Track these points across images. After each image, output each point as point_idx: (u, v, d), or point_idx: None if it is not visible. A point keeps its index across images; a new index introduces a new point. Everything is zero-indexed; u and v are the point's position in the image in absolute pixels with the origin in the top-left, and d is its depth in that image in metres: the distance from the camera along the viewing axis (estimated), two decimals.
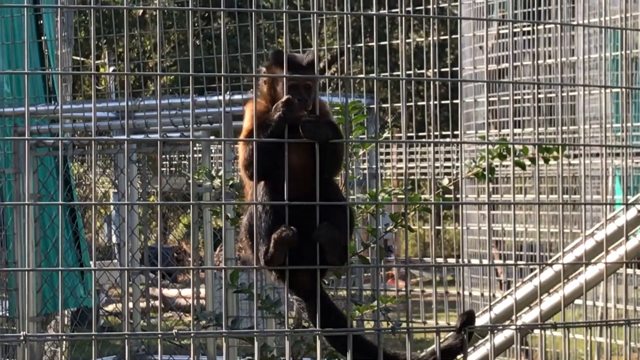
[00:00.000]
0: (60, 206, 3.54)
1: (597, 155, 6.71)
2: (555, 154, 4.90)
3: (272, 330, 4.60)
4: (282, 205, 3.55)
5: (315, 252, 3.60)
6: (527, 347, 9.15)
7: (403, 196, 4.79)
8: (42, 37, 7.57)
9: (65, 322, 7.88)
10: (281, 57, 3.68)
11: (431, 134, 6.70)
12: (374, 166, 6.32)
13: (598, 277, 3.90)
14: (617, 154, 6.62)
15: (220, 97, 6.36)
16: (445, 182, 5.21)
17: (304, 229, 3.57)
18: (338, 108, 4.74)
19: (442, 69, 9.70)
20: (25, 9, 6.89)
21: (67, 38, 7.88)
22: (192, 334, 3.69)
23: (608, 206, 4.08)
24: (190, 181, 3.93)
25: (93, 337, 3.37)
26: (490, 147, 4.91)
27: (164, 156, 9.31)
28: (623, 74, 6.97)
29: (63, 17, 7.98)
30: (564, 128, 7.88)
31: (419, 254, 10.18)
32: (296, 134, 3.57)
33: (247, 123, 3.76)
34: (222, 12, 3.65)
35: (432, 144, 5.28)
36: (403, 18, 7.08)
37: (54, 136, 6.72)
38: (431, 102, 5.99)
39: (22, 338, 3.28)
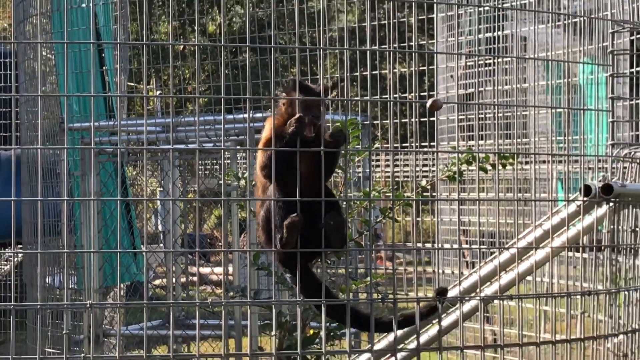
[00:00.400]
0: (117, 201, 3.54)
1: (544, 162, 6.70)
2: (510, 161, 4.91)
3: (286, 300, 4.58)
4: (292, 202, 3.54)
5: (319, 240, 3.60)
6: (488, 314, 9.15)
7: (390, 194, 4.80)
8: (104, 67, 7.57)
9: (122, 294, 7.87)
10: (297, 84, 3.72)
11: (412, 144, 6.71)
12: (367, 170, 6.32)
13: (545, 259, 3.89)
14: (560, 161, 6.62)
15: (245, 115, 6.38)
16: (423, 182, 5.21)
17: (309, 222, 3.58)
18: (339, 124, 4.75)
19: (422, 93, 9.72)
20: (91, 45, 6.91)
21: (123, 68, 7.87)
22: (223, 303, 3.69)
23: (553, 203, 4.07)
24: (222, 182, 3.93)
25: (144, 304, 3.37)
26: (459, 155, 4.92)
27: (200, 162, 9.31)
28: (565, 98, 6.97)
29: (120, 52, 7.99)
30: (518, 140, 7.88)
31: (402, 240, 10.18)
32: (305, 146, 3.58)
33: (265, 134, 3.79)
34: (247, 48, 3.67)
35: (413, 153, 5.28)
36: (390, 53, 7.08)
37: (113, 146, 6.73)
38: (413, 120, 5.98)
39: (88, 306, 3.28)
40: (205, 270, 12.00)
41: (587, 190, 3.71)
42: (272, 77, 3.71)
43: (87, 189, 6.25)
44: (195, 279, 10.61)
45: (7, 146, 9.96)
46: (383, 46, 8.83)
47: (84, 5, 7.48)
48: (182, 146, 6.48)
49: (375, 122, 7.15)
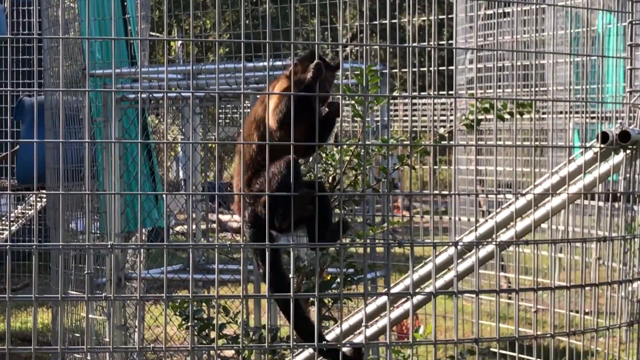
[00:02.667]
0: (139, 146, 3.53)
1: (562, 112, 6.64)
2: (528, 109, 4.86)
3: (303, 244, 4.57)
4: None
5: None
6: (503, 263, 9.15)
7: (408, 142, 4.77)
8: (126, 15, 7.52)
9: (143, 238, 7.90)
10: (314, 54, 3.71)
11: (432, 93, 6.65)
12: (385, 118, 6.28)
13: (561, 206, 3.86)
14: (577, 112, 6.56)
15: (265, 63, 6.34)
16: (441, 131, 5.18)
17: None
18: (357, 72, 4.71)
19: (441, 42, 9.63)
20: None
21: (145, 16, 7.82)
22: (242, 245, 3.69)
23: (569, 150, 4.02)
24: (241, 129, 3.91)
25: (165, 246, 3.37)
26: (477, 103, 4.87)
27: (220, 109, 9.28)
28: (583, 48, 6.88)
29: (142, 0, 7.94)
30: (536, 90, 7.80)
31: (420, 189, 10.15)
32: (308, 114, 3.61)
33: (281, 84, 3.77)
34: None
35: (432, 99, 5.22)
36: (409, 2, 7.00)
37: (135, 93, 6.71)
38: (432, 68, 5.91)
39: (109, 246, 3.28)
40: (225, 217, 12.04)
41: (604, 137, 3.67)
42: (292, 26, 3.68)
43: (109, 135, 6.24)
44: (215, 225, 10.65)
45: (30, 90, 9.98)
46: None
47: None
48: (202, 92, 6.45)
49: (393, 70, 7.07)
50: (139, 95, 4.91)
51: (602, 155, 3.73)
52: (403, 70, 7.81)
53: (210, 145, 7.49)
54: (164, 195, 6.79)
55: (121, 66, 6.88)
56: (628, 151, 3.71)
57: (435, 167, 8.01)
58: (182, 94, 6.41)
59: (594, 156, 3.74)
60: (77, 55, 7.43)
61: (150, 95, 6.33)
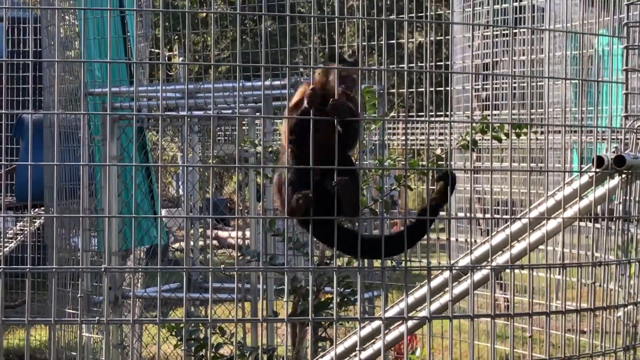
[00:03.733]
0: (134, 165, 3.51)
1: (559, 132, 6.62)
2: (525, 130, 4.84)
3: (299, 267, 4.55)
4: (306, 171, 3.50)
5: (332, 207, 3.55)
6: (501, 282, 9.11)
7: (404, 162, 4.75)
8: (127, 33, 7.52)
9: (142, 256, 7.88)
10: (333, 54, 3.68)
11: (427, 114, 6.62)
12: (383, 138, 6.28)
13: (557, 229, 3.84)
14: (575, 132, 6.54)
15: (265, 82, 6.33)
16: (438, 151, 5.15)
17: (325, 190, 3.53)
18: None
19: (438, 62, 9.63)
20: (113, 11, 6.85)
21: (144, 35, 7.82)
22: (236, 269, 3.66)
23: (566, 173, 4.01)
24: (237, 149, 3.90)
25: (158, 269, 3.35)
26: (474, 124, 4.86)
27: (219, 128, 9.26)
28: (580, 69, 6.89)
29: (142, 19, 7.94)
30: (533, 111, 7.80)
31: (418, 208, 10.14)
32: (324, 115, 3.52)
33: (294, 98, 3.74)
34: (266, 16, 3.63)
35: (427, 122, 5.18)
36: (406, 22, 6.99)
37: (133, 111, 6.70)
38: (427, 89, 5.90)
39: (103, 270, 3.24)
40: (223, 234, 12.02)
41: (600, 161, 3.65)
42: (288, 45, 3.66)
43: (106, 153, 6.22)
44: (214, 242, 10.60)
45: (28, 110, 9.96)
46: (400, 16, 8.74)
47: None
48: (199, 113, 6.44)
49: (392, 90, 7.07)
50: (133, 114, 4.88)
51: (598, 179, 3.71)
52: (401, 90, 7.82)
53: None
54: (161, 214, 6.76)
55: (120, 84, 6.87)
56: (623, 175, 3.69)
57: (432, 187, 7.98)
58: (176, 114, 6.40)
59: (589, 180, 3.72)
60: (79, 72, 7.43)
61: (145, 118, 6.31)
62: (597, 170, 3.67)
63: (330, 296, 4.98)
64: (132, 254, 6.38)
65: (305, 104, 3.54)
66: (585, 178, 3.74)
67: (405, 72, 3.89)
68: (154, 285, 7.76)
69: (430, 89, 6.11)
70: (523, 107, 8.44)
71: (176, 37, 13.00)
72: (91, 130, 6.62)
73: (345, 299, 5.01)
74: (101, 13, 7.02)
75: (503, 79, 8.33)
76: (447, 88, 7.21)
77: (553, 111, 7.78)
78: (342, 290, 4.96)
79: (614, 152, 3.69)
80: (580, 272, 3.66)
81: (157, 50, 12.13)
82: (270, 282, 5.98)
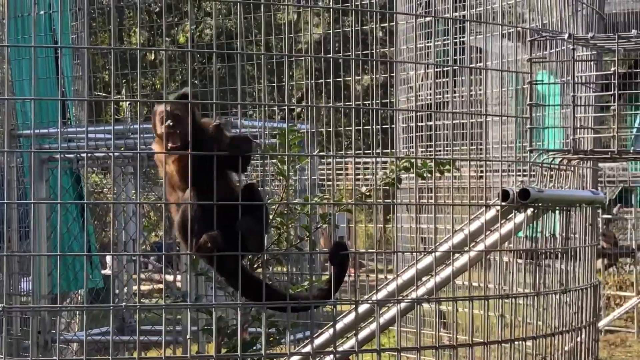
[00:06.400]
0: (59, 207, 3.52)
1: (497, 171, 6.72)
2: (447, 167, 4.91)
3: (222, 303, 4.57)
4: (207, 206, 3.52)
5: (238, 242, 3.58)
6: (444, 320, 9.14)
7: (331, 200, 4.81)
8: (59, 75, 7.55)
9: (79, 300, 7.85)
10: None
11: (371, 152, 6.73)
12: (313, 177, 6.35)
13: (473, 261, 3.91)
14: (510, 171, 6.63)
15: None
16: (363, 189, 5.24)
17: (229, 224, 3.55)
18: (277, 132, 4.79)
19: (384, 101, 9.75)
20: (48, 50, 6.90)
21: (81, 76, 7.87)
22: (163, 306, 3.68)
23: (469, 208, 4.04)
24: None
25: (81, 308, 3.36)
26: (398, 161, 4.95)
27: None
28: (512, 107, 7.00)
29: (79, 61, 8.00)
30: (473, 148, 7.88)
31: (366, 247, 10.19)
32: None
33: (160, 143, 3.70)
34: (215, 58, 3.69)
35: (353, 159, 5.25)
36: (352, 61, 7.12)
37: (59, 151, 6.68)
38: (353, 127, 6.01)
39: (1, 309, 3.22)
40: (170, 277, 11.96)
41: (505, 195, 3.74)
42: (239, 83, 3.72)
43: (35, 196, 6.23)
44: (159, 286, 10.56)
45: None
46: (347, 54, 8.88)
47: (41, 12, 7.46)
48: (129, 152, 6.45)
49: (329, 129, 7.15)
50: (59, 155, 4.91)
51: (504, 213, 3.79)
52: (348, 128, 7.92)
53: (146, 204, 7.49)
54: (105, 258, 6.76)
55: (49, 126, 6.84)
56: (530, 210, 3.78)
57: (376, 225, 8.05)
58: (109, 153, 6.42)
59: (496, 214, 3.80)
60: (7, 116, 7.42)
61: (78, 155, 6.32)
62: (503, 203, 3.75)
63: (255, 336, 5.01)
64: (60, 296, 6.34)
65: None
66: (492, 212, 3.82)
67: (353, 109, 3.96)
68: (95, 328, 7.72)
69: (353, 128, 6.20)
70: (463, 145, 8.56)
71: (124, 81, 13.05)
72: (22, 172, 6.62)
73: (271, 338, 5.03)
74: (30, 52, 7.06)
75: (442, 117, 8.46)
76: (386, 126, 7.31)
77: (492, 149, 7.88)
78: (268, 329, 4.98)
79: (519, 185, 3.78)
80: (487, 305, 3.72)
81: (104, 93, 12.17)
82: (197, 322, 5.98)
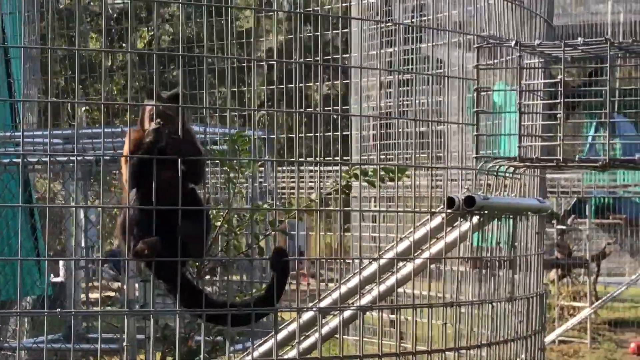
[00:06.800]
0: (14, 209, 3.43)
1: (455, 180, 6.72)
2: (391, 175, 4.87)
3: (165, 310, 4.50)
4: (150, 210, 3.45)
5: (178, 248, 3.52)
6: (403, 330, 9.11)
7: (280, 206, 4.77)
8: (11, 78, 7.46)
9: (27, 307, 7.72)
10: (151, 90, 3.64)
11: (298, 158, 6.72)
12: (265, 184, 6.31)
13: (419, 268, 3.88)
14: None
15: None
16: (313, 196, 5.19)
17: (170, 228, 3.49)
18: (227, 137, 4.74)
19: (335, 107, 9.72)
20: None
21: (33, 80, 7.78)
22: (99, 313, 3.63)
23: (413, 216, 4.01)
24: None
25: (18, 314, 3.28)
26: (346, 168, 4.92)
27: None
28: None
29: (31, 64, 7.90)
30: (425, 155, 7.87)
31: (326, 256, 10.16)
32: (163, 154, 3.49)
33: (126, 147, 3.68)
34: (177, 62, 3.62)
35: (296, 164, 5.21)
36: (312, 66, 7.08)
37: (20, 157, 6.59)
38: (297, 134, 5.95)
39: None
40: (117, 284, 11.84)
41: (450, 202, 3.71)
42: (205, 87, 3.66)
43: None
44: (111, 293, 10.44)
45: None
46: (308, 60, 8.86)
47: None
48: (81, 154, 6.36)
49: (281, 136, 7.12)
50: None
51: (450, 221, 3.76)
52: (308, 135, 7.87)
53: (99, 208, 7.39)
54: (45, 262, 6.65)
55: (3, 129, 6.74)
56: (475, 218, 3.75)
57: (318, 232, 8.02)
58: (58, 158, 6.33)
59: (442, 221, 3.77)
60: None
61: (26, 159, 6.22)
62: (449, 211, 3.72)
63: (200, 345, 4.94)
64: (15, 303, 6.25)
65: (147, 142, 3.50)
66: (438, 220, 3.79)
67: (313, 115, 3.92)
68: (39, 335, 7.59)
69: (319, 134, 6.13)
70: (417, 154, 8.55)
71: (81, 86, 12.93)
72: None
73: (217, 347, 4.97)
74: None
75: (406, 124, 8.45)
76: (343, 133, 7.29)
77: (451, 157, 7.87)
78: (214, 338, 4.92)
79: (464, 192, 3.75)
80: (431, 313, 3.69)
81: (60, 100, 12.04)
82: (147, 331, 5.89)
